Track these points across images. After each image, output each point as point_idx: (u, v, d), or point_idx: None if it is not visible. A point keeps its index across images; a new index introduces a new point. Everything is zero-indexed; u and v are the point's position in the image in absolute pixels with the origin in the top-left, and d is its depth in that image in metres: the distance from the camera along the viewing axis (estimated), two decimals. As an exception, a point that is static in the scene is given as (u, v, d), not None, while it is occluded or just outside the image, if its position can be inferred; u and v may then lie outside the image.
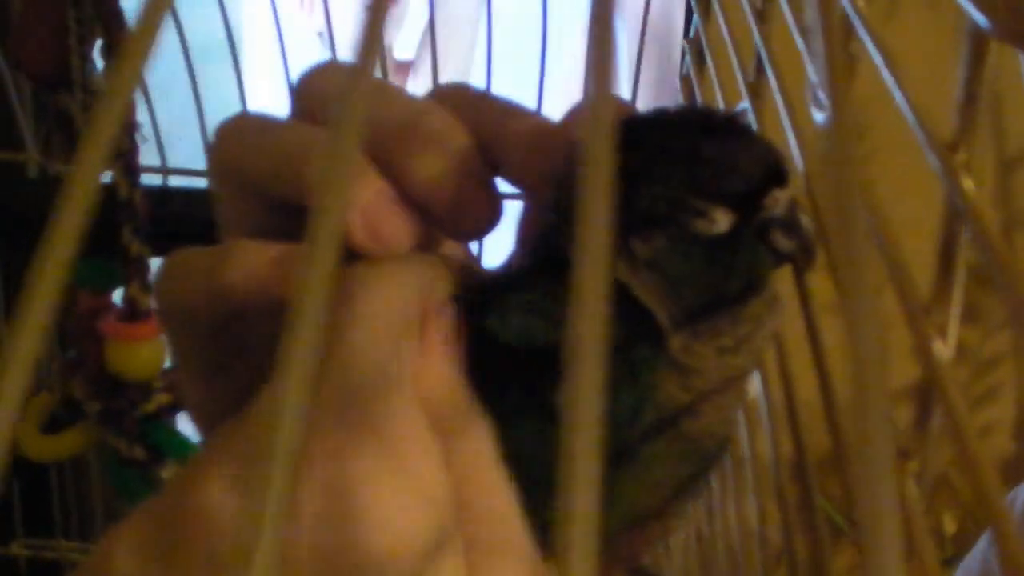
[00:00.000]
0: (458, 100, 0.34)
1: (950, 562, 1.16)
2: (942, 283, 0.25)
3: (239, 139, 0.34)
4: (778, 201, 0.32)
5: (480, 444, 0.29)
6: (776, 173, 0.33)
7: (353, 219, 0.30)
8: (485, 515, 0.28)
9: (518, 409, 0.32)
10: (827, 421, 0.32)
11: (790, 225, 0.33)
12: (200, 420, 0.36)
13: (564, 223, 0.32)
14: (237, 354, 0.33)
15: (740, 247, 0.32)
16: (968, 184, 0.24)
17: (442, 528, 0.26)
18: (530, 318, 0.32)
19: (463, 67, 2.18)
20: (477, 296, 0.33)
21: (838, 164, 0.16)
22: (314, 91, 0.34)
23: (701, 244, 0.32)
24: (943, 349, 0.24)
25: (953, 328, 0.25)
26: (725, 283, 0.32)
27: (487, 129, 0.33)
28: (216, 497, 0.25)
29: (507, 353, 0.32)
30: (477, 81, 0.46)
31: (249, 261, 0.31)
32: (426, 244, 0.34)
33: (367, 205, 0.31)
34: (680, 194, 0.32)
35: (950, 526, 1.27)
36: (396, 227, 0.31)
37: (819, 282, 0.37)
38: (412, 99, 0.34)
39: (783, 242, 0.33)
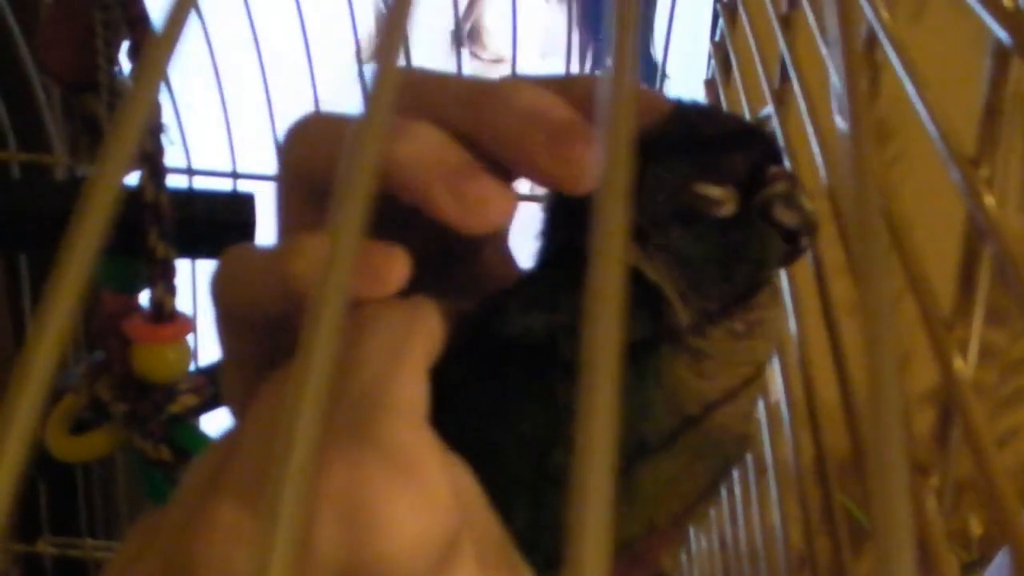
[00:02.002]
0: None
1: (975, 565, 1.16)
2: (963, 300, 0.25)
3: (304, 139, 0.33)
4: (776, 177, 0.33)
5: (469, 476, 0.29)
6: (769, 151, 0.34)
7: (438, 189, 0.29)
8: (485, 538, 0.29)
9: (521, 402, 0.32)
10: (847, 423, 0.32)
11: (791, 199, 0.33)
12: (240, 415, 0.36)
13: (570, 214, 0.32)
14: (287, 352, 0.33)
15: (746, 224, 0.33)
16: (990, 200, 0.24)
17: (452, 532, 0.27)
18: (530, 312, 0.32)
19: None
20: (489, 302, 0.33)
21: (858, 178, 0.16)
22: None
23: (711, 227, 0.32)
24: (963, 366, 0.24)
25: (974, 345, 0.25)
26: (736, 265, 0.33)
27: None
28: (228, 517, 0.25)
29: (511, 350, 0.32)
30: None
31: (315, 251, 0.30)
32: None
33: (455, 170, 0.30)
34: (688, 178, 0.32)
35: (976, 528, 1.26)
36: (493, 191, 0.30)
37: (842, 286, 0.37)
38: (463, 78, 0.33)
39: (786, 215, 0.33)
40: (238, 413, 0.36)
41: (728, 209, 0.32)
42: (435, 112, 0.31)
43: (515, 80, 0.31)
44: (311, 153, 0.33)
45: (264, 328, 0.32)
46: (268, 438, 0.27)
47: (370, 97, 0.15)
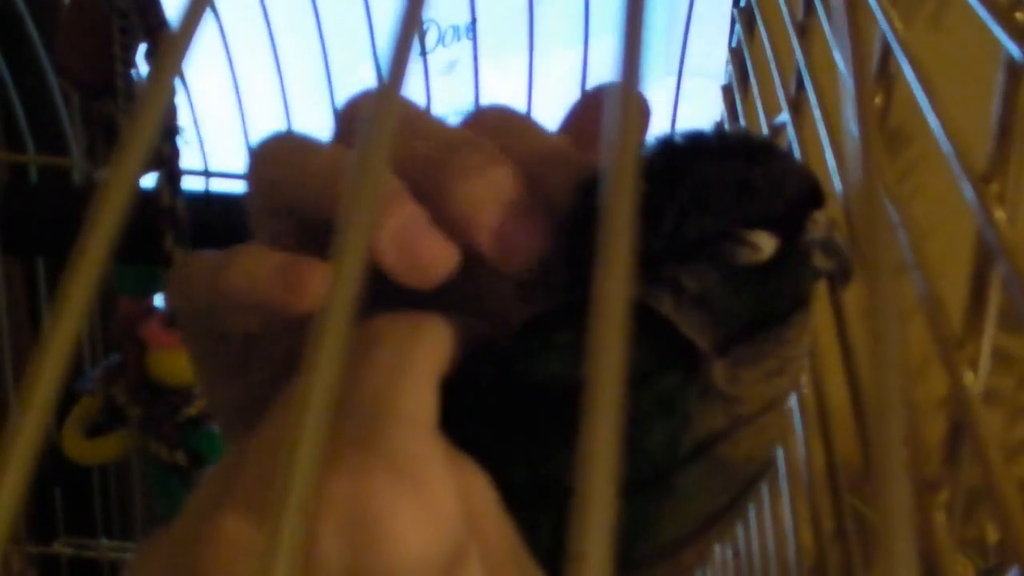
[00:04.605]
0: (499, 128, 0.33)
1: (991, 572, 1.15)
2: (974, 316, 0.25)
3: (275, 160, 0.33)
4: (818, 223, 0.33)
5: (485, 483, 0.29)
6: (814, 195, 0.33)
7: (385, 243, 0.30)
8: (495, 544, 0.28)
9: (547, 447, 0.31)
10: (857, 428, 0.32)
11: (829, 245, 0.33)
12: (219, 421, 0.36)
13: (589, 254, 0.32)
14: (252, 361, 0.33)
15: (785, 271, 0.32)
16: (1001, 216, 0.24)
17: (458, 541, 0.27)
18: (554, 357, 0.32)
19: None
20: (511, 342, 0.33)
21: (867, 186, 0.16)
22: (357, 116, 0.34)
23: (749, 273, 0.32)
24: (974, 381, 0.24)
25: (984, 362, 0.25)
26: (772, 307, 0.32)
27: (531, 162, 0.32)
28: (234, 529, 0.25)
29: (538, 394, 0.32)
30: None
31: (251, 265, 0.31)
32: (472, 285, 0.33)
33: (400, 227, 0.30)
34: (730, 225, 0.31)
35: (992, 535, 1.26)
36: (433, 251, 0.30)
37: (854, 292, 0.37)
38: (449, 128, 0.33)
39: (823, 262, 0.33)
40: (217, 420, 0.37)
41: (766, 253, 0.32)
42: (401, 163, 0.31)
43: (476, 150, 0.32)
44: (281, 178, 0.33)
45: (219, 336, 0.33)
46: (275, 451, 0.27)
47: (371, 128, 0.15)
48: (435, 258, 0.30)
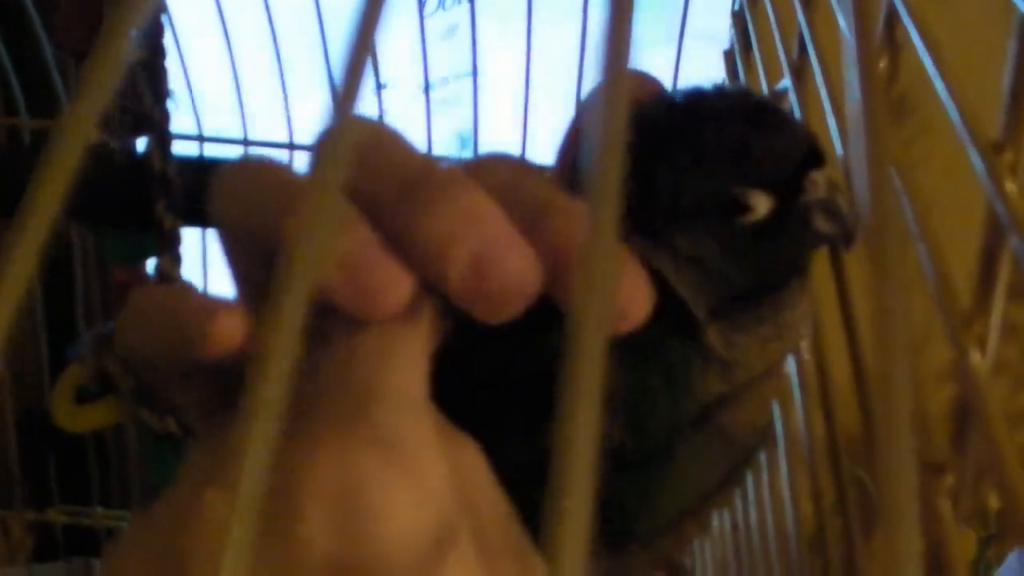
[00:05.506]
0: (495, 176, 0.29)
1: (993, 539, 1.15)
2: (983, 294, 0.24)
3: (237, 196, 0.30)
4: (817, 184, 0.32)
5: (479, 459, 0.28)
6: (813, 155, 0.32)
7: (334, 274, 0.26)
8: (489, 521, 0.28)
9: (545, 421, 0.31)
10: (858, 400, 0.31)
11: (830, 207, 0.32)
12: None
13: None
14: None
15: (782, 233, 0.32)
16: (1012, 188, 0.22)
17: (448, 521, 0.26)
18: (555, 327, 0.31)
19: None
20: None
21: (872, 156, 0.15)
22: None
23: (745, 235, 0.31)
24: (981, 362, 0.23)
25: (993, 341, 0.23)
26: (769, 271, 0.32)
27: (525, 215, 0.28)
28: (219, 510, 0.25)
29: (537, 365, 0.31)
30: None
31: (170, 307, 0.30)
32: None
33: (350, 254, 0.27)
34: (726, 187, 0.31)
35: (994, 504, 1.25)
36: (387, 280, 0.27)
37: (855, 262, 0.36)
38: (421, 157, 0.30)
39: (824, 225, 0.32)
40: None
41: (760, 213, 0.31)
42: (367, 193, 0.28)
43: (451, 185, 0.28)
44: (246, 211, 0.30)
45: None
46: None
47: (321, 156, 0.14)
48: (387, 285, 0.27)
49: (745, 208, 0.31)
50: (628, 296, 0.27)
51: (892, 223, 0.14)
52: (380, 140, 0.29)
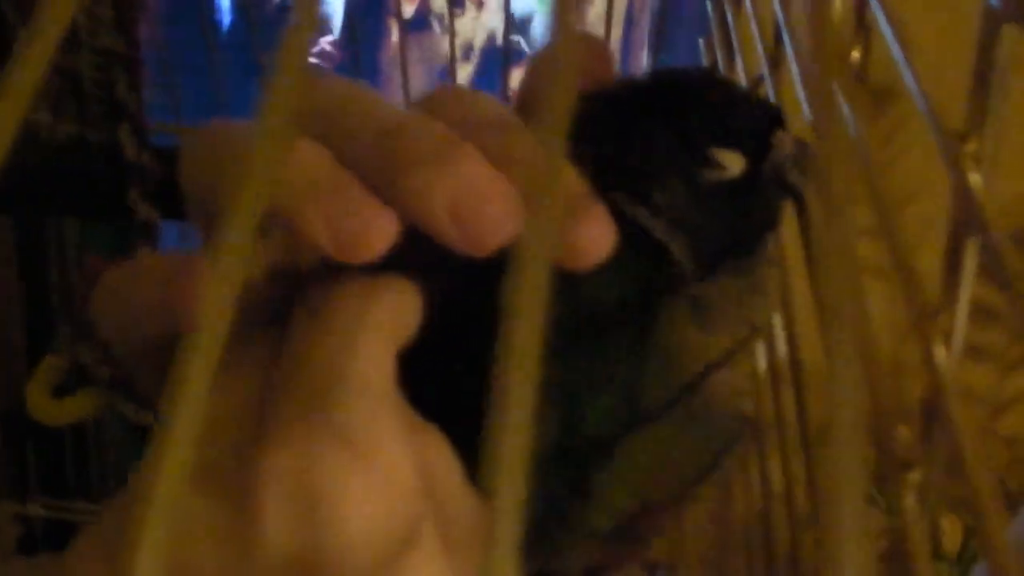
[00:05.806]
0: (452, 108, 0.29)
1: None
2: (949, 285, 0.23)
3: (195, 159, 0.29)
4: (784, 140, 0.34)
5: (447, 452, 0.28)
6: (775, 117, 0.34)
7: (314, 218, 0.26)
8: (455, 513, 0.28)
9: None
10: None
11: (800, 161, 0.34)
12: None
13: None
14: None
15: (756, 188, 0.33)
16: (976, 179, 0.22)
17: (412, 518, 0.26)
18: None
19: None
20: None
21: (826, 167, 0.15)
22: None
23: (718, 189, 0.33)
24: (946, 357, 0.23)
25: (959, 335, 0.23)
26: (742, 226, 0.33)
27: (487, 146, 0.28)
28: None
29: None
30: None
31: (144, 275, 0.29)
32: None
33: (331, 194, 0.26)
34: (695, 143, 0.33)
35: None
36: (371, 217, 0.26)
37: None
38: (394, 109, 0.29)
39: (799, 179, 0.34)
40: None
41: (735, 171, 0.33)
42: (344, 143, 0.28)
43: (423, 121, 0.28)
44: (200, 174, 0.29)
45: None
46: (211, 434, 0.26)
47: (264, 107, 0.13)
48: (371, 221, 0.26)
49: (717, 165, 0.32)
50: (587, 230, 0.27)
51: (842, 181, 0.13)
52: (353, 95, 0.29)
